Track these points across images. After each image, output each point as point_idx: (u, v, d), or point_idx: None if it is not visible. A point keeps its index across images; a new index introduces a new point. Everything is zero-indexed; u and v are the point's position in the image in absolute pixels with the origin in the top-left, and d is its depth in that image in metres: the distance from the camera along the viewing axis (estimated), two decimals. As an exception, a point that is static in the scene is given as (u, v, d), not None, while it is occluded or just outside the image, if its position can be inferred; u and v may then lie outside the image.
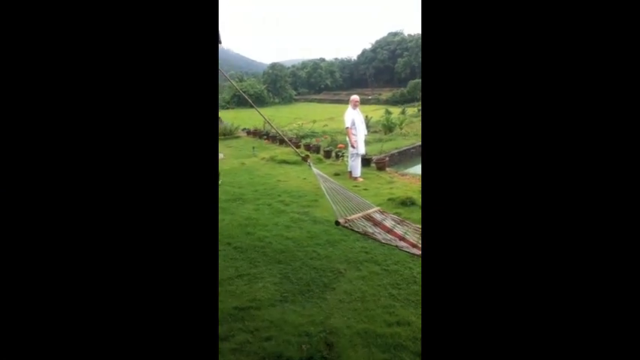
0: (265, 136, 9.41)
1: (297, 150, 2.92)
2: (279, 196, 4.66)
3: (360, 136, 5.48)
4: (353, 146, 5.38)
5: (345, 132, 5.47)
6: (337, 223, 2.06)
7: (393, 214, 2.66)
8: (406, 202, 4.13)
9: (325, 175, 2.65)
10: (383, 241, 2.02)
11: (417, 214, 3.78)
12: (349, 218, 2.12)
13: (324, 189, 2.33)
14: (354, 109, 5.47)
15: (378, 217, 2.32)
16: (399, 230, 2.16)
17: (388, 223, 2.24)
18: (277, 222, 3.79)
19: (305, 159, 2.98)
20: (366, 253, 3.08)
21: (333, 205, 2.17)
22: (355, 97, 5.62)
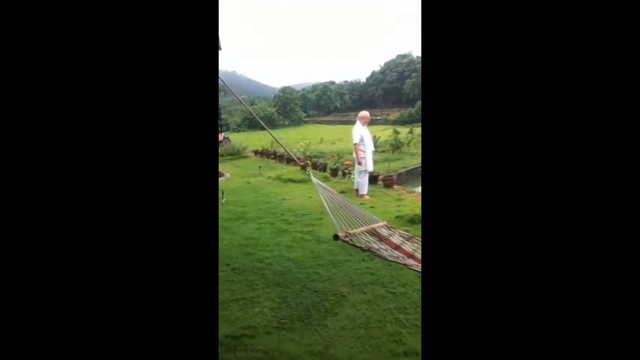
0: (272, 156, 9.38)
1: (295, 157, 2.77)
2: (283, 214, 4.50)
3: (368, 153, 5.34)
4: (360, 163, 5.21)
5: (353, 148, 5.32)
6: (336, 237, 1.82)
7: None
8: (414, 220, 3.91)
9: (325, 186, 2.48)
10: (389, 259, 1.78)
11: (427, 232, 3.55)
12: (351, 232, 1.89)
13: (323, 200, 2.12)
14: (363, 125, 5.37)
15: (384, 232, 2.09)
16: (408, 247, 1.94)
17: (396, 240, 2.01)
18: (279, 242, 3.62)
19: (304, 167, 2.82)
20: (372, 274, 2.86)
21: (332, 218, 1.95)
22: (365, 114, 5.50)
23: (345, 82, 46.46)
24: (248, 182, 6.59)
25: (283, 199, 5.30)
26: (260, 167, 8.01)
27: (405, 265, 1.77)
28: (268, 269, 3.03)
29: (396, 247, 1.92)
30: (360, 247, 1.79)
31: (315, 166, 7.55)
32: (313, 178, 2.58)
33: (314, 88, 43.29)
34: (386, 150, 11.24)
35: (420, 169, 9.18)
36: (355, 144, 5.24)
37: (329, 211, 2.01)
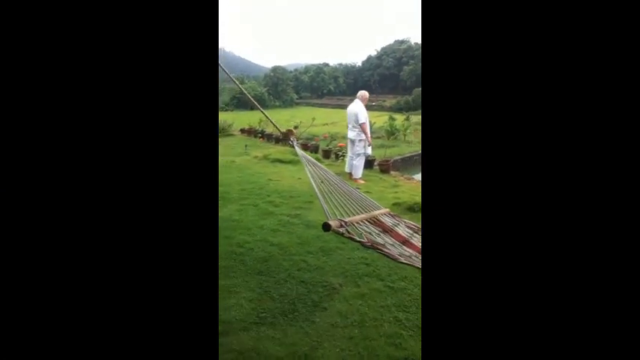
0: (260, 135, 8.92)
1: (277, 125, 2.37)
2: (269, 196, 4.14)
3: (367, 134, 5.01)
4: (370, 143, 5.00)
5: (361, 128, 4.90)
6: (327, 227, 1.27)
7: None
8: (414, 208, 3.61)
9: (314, 160, 2.08)
10: (402, 260, 1.25)
11: (427, 220, 3.25)
12: (347, 220, 1.41)
13: (309, 176, 1.66)
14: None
15: (388, 221, 1.62)
16: (418, 242, 1.53)
17: (402, 231, 1.55)
18: (263, 225, 3.27)
19: (287, 135, 2.38)
20: (367, 265, 2.55)
21: (321, 200, 1.46)
22: (366, 93, 5.15)
23: (339, 64, 45.46)
24: (232, 161, 6.18)
25: (270, 179, 4.94)
26: (246, 146, 7.58)
27: (420, 269, 1.30)
28: (249, 255, 2.69)
29: (405, 242, 1.45)
30: (359, 242, 1.27)
31: (306, 148, 7.16)
32: (298, 150, 2.15)
33: (307, 69, 42.12)
34: (381, 136, 10.88)
35: (415, 157, 8.93)
36: (362, 123, 4.87)
37: (317, 191, 1.54)
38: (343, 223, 1.35)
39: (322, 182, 1.73)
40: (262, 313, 2.01)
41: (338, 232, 1.27)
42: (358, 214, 1.58)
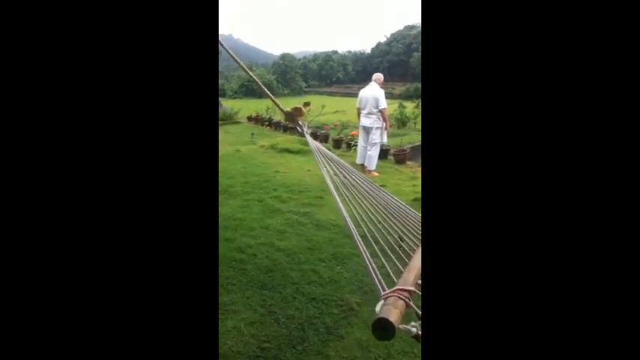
0: (267, 123, 8.50)
1: (280, 105, 1.97)
2: (275, 190, 3.76)
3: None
4: (388, 131, 4.68)
5: (381, 114, 4.47)
6: (384, 328, 0.60)
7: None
8: (438, 205, 3.18)
9: (331, 154, 1.67)
10: None
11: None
12: (411, 289, 0.70)
13: (330, 184, 1.22)
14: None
15: None
16: None
17: None
18: (268, 225, 2.89)
19: (293, 116, 1.97)
20: (388, 276, 2.15)
21: (350, 226, 0.97)
22: (381, 76, 4.70)
23: (348, 52, 44.53)
24: (238, 150, 5.80)
25: (277, 171, 4.54)
26: (253, 134, 7.19)
27: None
28: (251, 262, 2.31)
29: None
30: None
31: (315, 137, 6.73)
32: (309, 139, 1.82)
33: (315, 57, 41.35)
34: (391, 125, 10.45)
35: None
36: (383, 109, 4.44)
37: (338, 201, 1.09)
38: (406, 299, 0.67)
39: (339, 178, 1.33)
40: (265, 342, 1.64)
41: (410, 334, 0.64)
42: (399, 236, 1.05)
